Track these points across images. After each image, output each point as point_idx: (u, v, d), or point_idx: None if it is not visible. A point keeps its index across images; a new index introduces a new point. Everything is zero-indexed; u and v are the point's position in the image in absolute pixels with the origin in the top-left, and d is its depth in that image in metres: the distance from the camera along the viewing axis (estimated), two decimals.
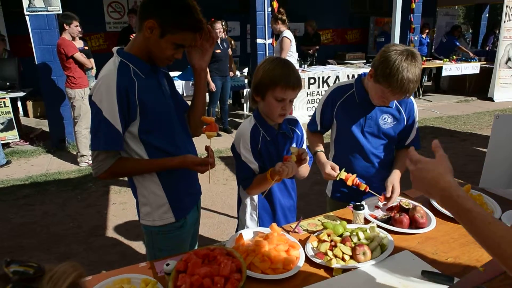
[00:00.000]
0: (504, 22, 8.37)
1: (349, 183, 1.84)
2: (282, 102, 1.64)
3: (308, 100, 7.40)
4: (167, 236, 1.69)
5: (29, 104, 7.99)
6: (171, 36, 1.46)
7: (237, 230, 1.90)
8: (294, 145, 1.82)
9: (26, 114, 8.04)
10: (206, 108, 6.45)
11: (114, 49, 1.57)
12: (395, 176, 1.90)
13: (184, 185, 1.72)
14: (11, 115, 5.89)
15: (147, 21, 1.45)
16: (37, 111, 8.09)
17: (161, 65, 1.61)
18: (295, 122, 1.86)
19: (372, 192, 1.85)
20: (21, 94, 6.34)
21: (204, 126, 1.62)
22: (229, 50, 6.45)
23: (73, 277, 0.62)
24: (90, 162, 5.14)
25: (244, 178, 1.74)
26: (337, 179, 1.85)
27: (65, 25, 4.91)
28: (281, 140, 1.78)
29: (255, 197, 1.81)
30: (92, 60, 5.76)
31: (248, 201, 1.82)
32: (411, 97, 1.97)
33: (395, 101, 1.94)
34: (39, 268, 0.61)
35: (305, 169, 1.81)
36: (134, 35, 6.56)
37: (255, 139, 1.72)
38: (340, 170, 1.85)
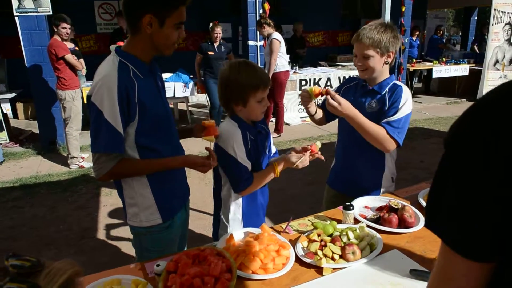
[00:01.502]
0: (492, 25, 8.49)
1: (316, 91, 1.88)
2: (263, 101, 1.74)
3: (299, 102, 7.43)
4: (155, 237, 1.69)
5: (19, 105, 7.91)
6: (170, 19, 1.46)
7: (218, 232, 1.89)
8: (268, 143, 1.93)
9: (15, 115, 7.96)
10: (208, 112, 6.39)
11: (112, 47, 1.55)
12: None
13: (172, 186, 1.72)
14: (0, 117, 5.84)
15: (143, 18, 1.44)
16: (27, 113, 8.01)
17: (169, 54, 1.58)
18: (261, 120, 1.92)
19: (331, 93, 1.80)
20: (10, 95, 6.28)
21: (204, 131, 1.67)
22: (231, 54, 6.45)
23: (69, 273, 0.63)
24: (81, 164, 5.13)
25: (246, 179, 1.75)
26: (311, 97, 1.92)
27: (54, 26, 4.89)
28: (260, 138, 1.83)
29: (239, 197, 1.83)
30: (82, 60, 5.73)
31: (232, 202, 1.83)
32: (403, 86, 1.93)
33: (387, 88, 1.93)
34: (37, 262, 0.62)
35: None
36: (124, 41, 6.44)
37: (245, 140, 1.75)
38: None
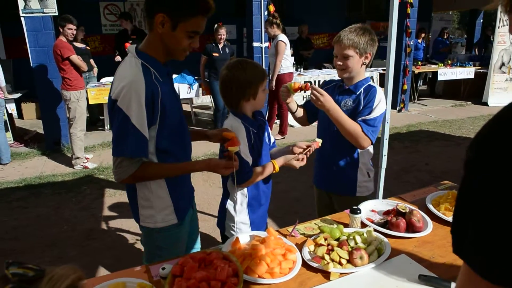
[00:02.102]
0: (498, 27, 8.44)
1: (296, 86, 2.00)
2: (265, 89, 1.86)
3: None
4: (166, 235, 1.69)
5: (24, 106, 7.94)
6: (183, 24, 1.45)
7: (225, 221, 1.93)
8: (267, 132, 2.00)
9: (20, 116, 8.00)
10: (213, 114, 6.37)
11: (132, 47, 1.53)
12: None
13: (184, 187, 1.74)
14: (5, 117, 5.85)
15: (156, 16, 1.43)
16: (32, 113, 8.04)
17: (180, 59, 1.58)
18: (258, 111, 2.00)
19: (314, 88, 1.90)
20: (16, 96, 6.30)
21: (226, 142, 1.70)
22: (233, 56, 6.45)
23: (72, 279, 0.62)
24: (85, 164, 5.13)
25: (246, 172, 1.81)
26: (289, 92, 2.03)
27: (59, 27, 4.90)
28: (260, 130, 1.90)
29: (245, 188, 1.89)
30: (92, 61, 5.77)
31: (238, 193, 1.89)
32: (377, 87, 2.02)
33: (362, 88, 2.02)
34: (39, 270, 0.61)
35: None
36: (130, 42, 6.51)
37: (249, 135, 1.82)
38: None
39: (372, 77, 7.88)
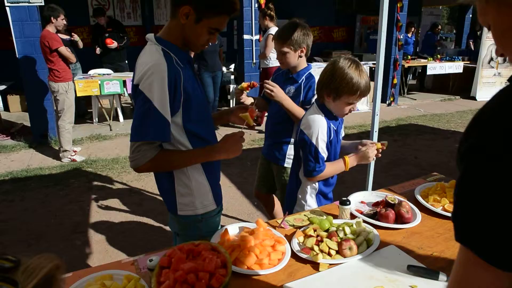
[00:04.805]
0: None
1: (245, 85, 2.18)
2: (351, 105, 1.83)
3: None
4: (209, 222, 1.67)
5: (10, 98, 7.80)
6: (207, 20, 1.44)
7: (294, 207, 2.01)
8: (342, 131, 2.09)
9: (6, 108, 7.86)
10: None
11: (150, 36, 1.52)
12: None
13: (218, 172, 1.74)
14: None
15: (182, 7, 1.42)
16: (18, 106, 7.90)
17: (195, 51, 1.61)
18: None
19: (267, 82, 2.21)
20: (1, 87, 6.17)
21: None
22: (221, 48, 6.43)
23: (49, 268, 0.60)
24: (73, 157, 5.06)
25: (319, 168, 1.86)
26: (242, 92, 2.25)
27: (52, 18, 4.78)
28: (339, 127, 1.99)
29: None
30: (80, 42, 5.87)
31: (308, 185, 1.96)
32: (315, 76, 2.20)
33: (303, 77, 2.28)
34: (16, 261, 0.59)
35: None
36: (107, 35, 6.39)
37: (329, 131, 1.88)
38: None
39: None
